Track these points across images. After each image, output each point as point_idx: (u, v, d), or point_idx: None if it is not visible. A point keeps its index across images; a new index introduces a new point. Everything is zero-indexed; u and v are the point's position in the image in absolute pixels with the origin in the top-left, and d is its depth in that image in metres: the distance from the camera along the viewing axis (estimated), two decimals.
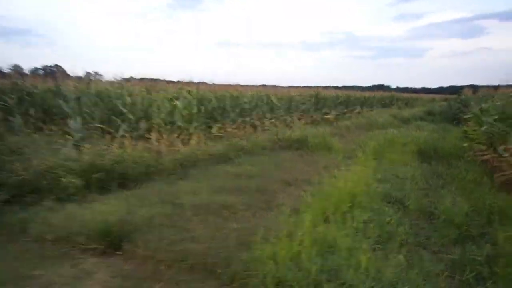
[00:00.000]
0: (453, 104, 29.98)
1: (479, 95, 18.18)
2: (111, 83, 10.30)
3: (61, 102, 7.96)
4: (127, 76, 10.54)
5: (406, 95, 44.44)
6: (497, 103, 8.69)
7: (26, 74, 10.79)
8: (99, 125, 7.77)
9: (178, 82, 12.04)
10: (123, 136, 7.81)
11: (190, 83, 12.40)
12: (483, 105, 9.86)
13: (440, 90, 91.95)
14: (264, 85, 17.47)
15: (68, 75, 11.09)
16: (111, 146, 7.17)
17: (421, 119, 21.88)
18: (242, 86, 14.51)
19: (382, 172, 7.00)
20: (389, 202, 5.44)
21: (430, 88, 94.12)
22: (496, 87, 24.27)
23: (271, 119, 13.31)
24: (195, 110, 9.44)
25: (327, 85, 21.38)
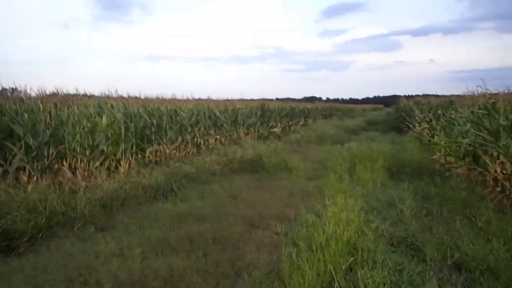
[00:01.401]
0: (392, 113, 30.67)
1: (421, 103, 18.10)
2: (12, 98, 7.96)
3: None
4: (37, 90, 8.19)
5: (341, 105, 45.22)
6: (468, 112, 7.87)
7: None
8: None
9: (101, 96, 9.89)
10: (19, 170, 5.66)
11: (117, 97, 10.35)
12: (451, 113, 9.11)
13: (366, 101, 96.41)
14: (199, 99, 15.76)
15: None
16: None
17: (364, 129, 21.55)
18: (177, 100, 12.70)
19: (364, 198, 5.66)
20: (394, 246, 4.06)
21: (358, 99, 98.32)
22: (412, 97, 25.11)
23: (215, 135, 11.64)
24: (122, 129, 7.50)
25: (261, 97, 20.09)
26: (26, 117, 5.91)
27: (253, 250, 3.99)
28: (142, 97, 10.74)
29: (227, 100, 17.32)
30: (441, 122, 9.72)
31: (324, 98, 65.25)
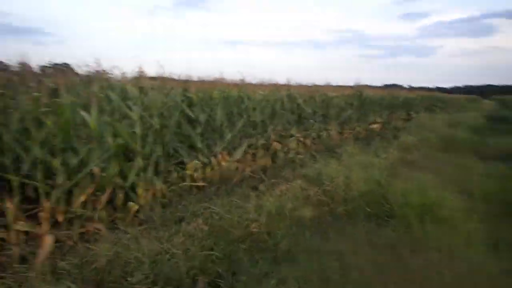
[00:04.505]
0: None
1: None
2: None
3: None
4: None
5: (438, 95, 38.51)
6: None
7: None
8: None
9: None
10: None
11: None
12: None
13: (456, 90, 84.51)
14: (276, 84, 11.95)
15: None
16: None
17: (492, 129, 16.23)
18: (247, 84, 9.06)
19: None
20: None
21: (446, 88, 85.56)
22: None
23: (298, 136, 7.94)
24: (138, 131, 4.19)
25: (337, 84, 15.71)
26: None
27: None
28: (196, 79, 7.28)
29: (309, 87, 13.40)
30: None
31: (406, 86, 57.90)
